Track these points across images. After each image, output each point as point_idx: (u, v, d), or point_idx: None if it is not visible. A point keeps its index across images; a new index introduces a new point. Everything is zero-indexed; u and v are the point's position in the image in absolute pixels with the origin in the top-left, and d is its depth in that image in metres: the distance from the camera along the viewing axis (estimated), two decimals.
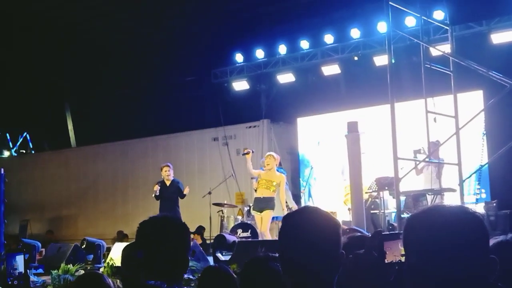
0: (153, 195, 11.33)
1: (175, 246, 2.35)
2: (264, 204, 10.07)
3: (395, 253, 1.95)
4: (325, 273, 1.95)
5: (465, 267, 1.50)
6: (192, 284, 7.07)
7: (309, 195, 14.05)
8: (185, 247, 2.43)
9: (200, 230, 13.25)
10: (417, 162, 9.41)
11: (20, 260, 8.20)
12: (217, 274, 3.60)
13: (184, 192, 11.32)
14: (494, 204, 10.14)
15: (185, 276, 7.24)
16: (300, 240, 1.97)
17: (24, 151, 21.97)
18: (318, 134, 14.92)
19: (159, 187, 11.30)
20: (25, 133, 21.86)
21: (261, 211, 10.08)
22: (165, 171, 11.48)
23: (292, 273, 1.99)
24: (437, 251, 1.52)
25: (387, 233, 2.10)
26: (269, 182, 10.13)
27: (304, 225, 2.01)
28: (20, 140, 21.94)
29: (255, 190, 10.70)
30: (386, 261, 1.96)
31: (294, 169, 15.44)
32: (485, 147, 11.91)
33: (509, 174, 11.15)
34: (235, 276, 3.89)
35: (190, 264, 8.00)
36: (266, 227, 10.05)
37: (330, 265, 1.95)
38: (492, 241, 2.49)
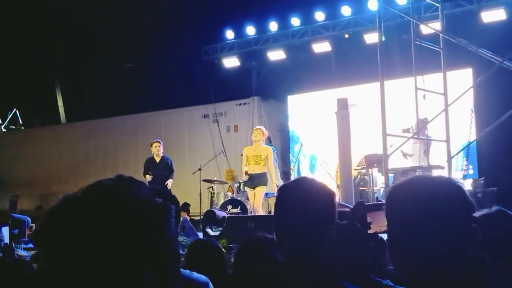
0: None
1: None
2: (256, 180, 10.08)
3: (380, 224, 1.96)
4: (320, 242, 1.97)
5: (448, 237, 1.49)
6: (182, 259, 7.09)
7: (298, 172, 14.11)
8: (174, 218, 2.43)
9: (186, 206, 13.30)
10: (406, 140, 9.46)
11: (5, 232, 8.18)
12: (205, 247, 3.62)
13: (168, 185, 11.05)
14: (482, 181, 10.24)
15: None
16: (296, 209, 1.99)
17: (14, 127, 21.87)
18: (308, 112, 14.95)
19: (151, 177, 11.21)
20: (15, 109, 21.73)
21: (254, 187, 10.11)
22: (155, 147, 11.46)
23: (287, 242, 2.01)
24: (419, 221, 1.50)
25: (370, 203, 2.13)
26: (258, 157, 10.13)
27: (300, 195, 2.03)
28: (10, 116, 21.82)
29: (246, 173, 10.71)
30: (369, 232, 2.00)
31: (284, 146, 15.48)
32: (473, 124, 11.98)
33: (497, 151, 11.25)
34: (223, 250, 3.91)
35: (180, 239, 8.06)
36: (259, 203, 10.04)
37: (323, 234, 1.97)
38: (476, 215, 2.52)
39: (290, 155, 14.56)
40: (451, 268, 1.50)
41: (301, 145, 13.46)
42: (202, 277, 2.43)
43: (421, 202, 1.53)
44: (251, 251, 2.60)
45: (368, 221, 2.01)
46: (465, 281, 1.53)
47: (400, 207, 1.57)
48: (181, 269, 2.42)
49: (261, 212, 10.10)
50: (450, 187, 1.57)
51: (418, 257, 1.51)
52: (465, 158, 11.59)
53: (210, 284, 2.44)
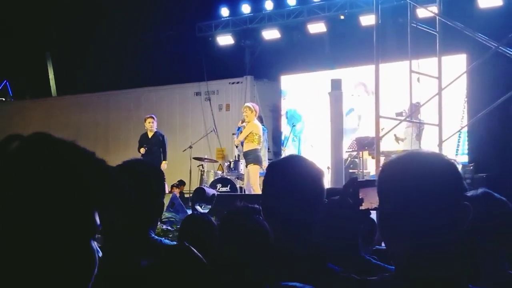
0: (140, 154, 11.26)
1: (149, 190, 2.31)
2: (246, 158, 10.05)
3: (371, 200, 1.94)
4: (308, 219, 1.96)
5: (440, 213, 1.48)
6: (170, 235, 7.10)
7: (299, 152, 14.11)
8: (159, 191, 2.39)
9: (180, 183, 13.32)
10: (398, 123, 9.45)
11: None
12: (199, 222, 3.58)
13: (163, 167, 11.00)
14: (471, 167, 10.28)
15: (164, 227, 7.29)
16: (285, 187, 1.97)
17: (3, 99, 21.70)
18: (302, 92, 14.92)
19: (144, 150, 11.22)
20: (5, 81, 21.54)
21: (246, 165, 10.09)
22: (149, 122, 11.44)
23: (275, 219, 1.98)
24: (411, 197, 1.49)
25: (363, 180, 2.11)
26: (249, 134, 10.04)
27: (289, 173, 2.01)
28: (0, 88, 21.64)
29: (236, 147, 10.71)
30: (361, 208, 1.97)
31: (275, 127, 15.46)
32: (466, 112, 12.02)
33: (487, 138, 11.29)
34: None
35: (169, 215, 8.07)
36: (253, 181, 9.83)
37: (313, 212, 1.96)
38: None
39: (291, 133, 14.07)
40: (442, 245, 1.50)
41: (293, 125, 13.40)
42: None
43: (414, 177, 1.51)
44: (235, 219, 2.58)
45: (360, 197, 1.99)
46: (456, 258, 1.52)
47: (393, 183, 1.56)
48: (162, 239, 2.40)
49: (257, 190, 9.95)
50: (443, 163, 1.55)
51: (410, 233, 1.50)
52: (457, 144, 11.63)
53: None
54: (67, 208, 1.00)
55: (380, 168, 1.66)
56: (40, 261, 0.99)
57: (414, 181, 1.51)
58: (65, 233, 1.01)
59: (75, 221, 1.02)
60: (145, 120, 11.59)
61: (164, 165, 11.02)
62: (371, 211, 1.99)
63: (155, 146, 11.34)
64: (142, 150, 11.24)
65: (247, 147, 10.03)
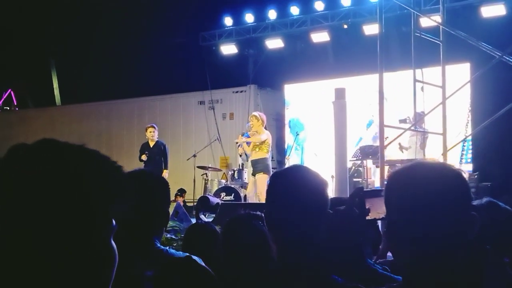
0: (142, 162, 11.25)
1: (154, 200, 2.31)
2: (254, 167, 9.93)
3: (378, 210, 1.93)
4: (311, 230, 1.95)
5: (446, 222, 1.48)
6: (175, 244, 7.07)
7: (302, 161, 14.08)
8: (164, 200, 2.39)
9: (181, 192, 13.31)
10: (403, 131, 9.44)
11: None
12: (203, 231, 3.57)
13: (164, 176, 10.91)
14: (476, 176, 10.25)
15: (168, 235, 7.27)
16: (288, 197, 1.96)
17: (8, 108, 21.77)
18: (305, 101, 14.92)
19: (147, 156, 11.24)
20: (9, 90, 21.62)
21: (253, 174, 10.00)
22: (150, 132, 11.45)
23: (278, 230, 1.98)
24: (418, 206, 1.49)
25: (368, 190, 2.10)
26: (255, 143, 9.95)
27: (292, 183, 2.00)
28: (4, 97, 21.71)
29: (240, 155, 10.68)
30: (367, 218, 1.97)
31: (279, 136, 15.44)
32: (470, 118, 12.01)
33: (491, 146, 11.27)
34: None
35: (173, 224, 8.05)
36: (261, 190, 9.61)
37: (317, 223, 1.95)
38: None
39: (295, 142, 14.07)
40: (449, 255, 1.50)
41: (297, 134, 13.39)
42: (186, 254, 2.40)
43: (420, 186, 1.51)
44: (238, 226, 2.58)
45: (367, 207, 1.98)
46: (464, 268, 1.52)
47: (400, 192, 1.56)
48: (168, 248, 2.40)
49: (264, 200, 9.79)
50: (450, 173, 1.55)
51: (416, 243, 1.50)
52: (461, 153, 11.61)
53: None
54: (68, 207, 1.00)
55: (387, 178, 1.67)
56: (40, 261, 0.98)
57: (421, 191, 1.51)
58: (68, 233, 1.00)
59: (78, 220, 1.01)
60: (146, 130, 11.60)
61: (165, 174, 11.03)
62: (378, 221, 1.99)
63: (157, 156, 11.36)
64: (144, 157, 11.26)
65: (256, 155, 9.92)
